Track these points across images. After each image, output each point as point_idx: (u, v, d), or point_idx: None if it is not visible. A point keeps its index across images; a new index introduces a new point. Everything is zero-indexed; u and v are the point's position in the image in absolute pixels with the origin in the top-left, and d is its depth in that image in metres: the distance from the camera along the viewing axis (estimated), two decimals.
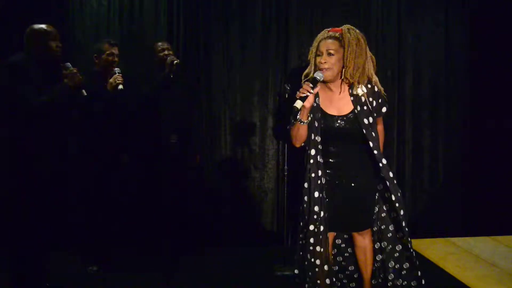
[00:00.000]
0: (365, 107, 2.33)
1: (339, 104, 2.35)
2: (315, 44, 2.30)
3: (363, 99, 2.32)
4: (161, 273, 3.26)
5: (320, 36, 2.31)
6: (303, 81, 2.23)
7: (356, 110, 2.32)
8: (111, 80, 3.13)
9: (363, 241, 2.53)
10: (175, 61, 3.39)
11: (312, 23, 4.11)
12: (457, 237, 4.08)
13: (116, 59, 3.25)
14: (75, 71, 2.72)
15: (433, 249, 3.81)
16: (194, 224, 3.77)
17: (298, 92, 2.15)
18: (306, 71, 2.35)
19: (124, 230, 3.66)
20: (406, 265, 2.52)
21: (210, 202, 3.99)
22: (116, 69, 3.18)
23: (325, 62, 2.23)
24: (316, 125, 2.31)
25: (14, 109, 2.64)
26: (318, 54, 2.26)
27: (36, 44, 2.72)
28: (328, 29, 2.31)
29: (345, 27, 2.29)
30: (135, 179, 3.78)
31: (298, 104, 2.14)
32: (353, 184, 2.39)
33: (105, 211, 3.28)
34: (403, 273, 2.52)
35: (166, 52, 3.50)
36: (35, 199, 2.71)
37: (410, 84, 4.28)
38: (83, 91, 2.78)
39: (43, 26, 2.76)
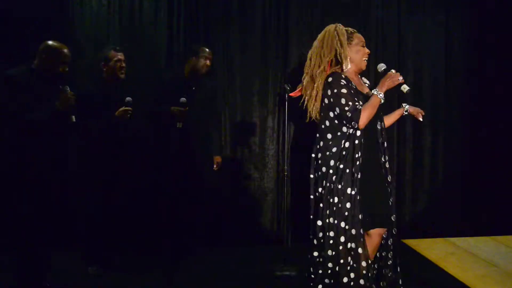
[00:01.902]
0: None
1: (364, 87, 2.49)
2: (352, 35, 2.42)
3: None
4: (161, 273, 3.26)
5: (348, 29, 2.43)
6: (390, 70, 2.40)
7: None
8: (120, 111, 3.13)
9: (380, 242, 2.47)
10: (179, 125, 3.33)
11: (312, 23, 4.11)
12: (457, 237, 4.08)
13: (123, 64, 3.25)
14: (69, 96, 2.69)
15: (433, 249, 3.82)
16: (194, 224, 3.77)
17: (400, 79, 2.33)
18: (333, 58, 2.39)
19: (124, 230, 3.66)
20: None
21: (210, 202, 3.97)
22: (128, 98, 3.16)
23: (368, 53, 2.46)
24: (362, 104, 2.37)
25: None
26: (363, 45, 2.44)
27: (46, 61, 2.73)
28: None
29: None
30: (136, 180, 3.78)
31: (406, 87, 2.38)
32: (387, 165, 2.46)
33: (105, 211, 3.28)
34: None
35: (208, 63, 3.52)
36: (36, 200, 2.71)
37: (410, 84, 4.26)
38: (73, 117, 2.75)
39: (58, 46, 2.76)
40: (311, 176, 2.45)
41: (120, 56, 3.24)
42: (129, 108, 3.15)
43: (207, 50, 3.56)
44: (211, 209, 3.98)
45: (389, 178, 2.46)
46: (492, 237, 4.08)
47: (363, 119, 2.29)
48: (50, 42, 2.76)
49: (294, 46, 4.10)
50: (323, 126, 2.41)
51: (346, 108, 2.29)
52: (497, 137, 4.29)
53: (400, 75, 2.34)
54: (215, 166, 3.72)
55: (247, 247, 3.89)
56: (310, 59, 2.45)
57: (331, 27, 2.43)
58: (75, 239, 3.50)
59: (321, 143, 2.41)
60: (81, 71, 3.77)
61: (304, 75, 2.48)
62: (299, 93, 2.53)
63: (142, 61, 3.88)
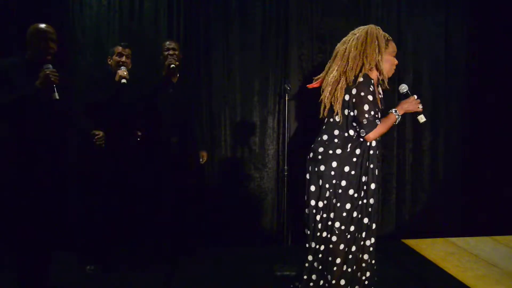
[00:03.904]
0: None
1: (379, 97, 2.44)
2: (388, 42, 2.36)
3: None
4: (161, 273, 3.26)
5: (385, 35, 2.37)
6: (411, 96, 2.40)
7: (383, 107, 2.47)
8: (118, 71, 3.21)
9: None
10: (172, 65, 3.39)
11: (312, 23, 4.12)
12: (457, 237, 4.08)
13: (123, 59, 3.31)
14: (47, 72, 2.63)
15: (433, 249, 3.82)
16: (194, 224, 3.77)
17: (419, 107, 2.35)
18: (368, 61, 2.30)
19: (124, 230, 3.65)
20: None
21: (210, 202, 3.98)
22: (122, 67, 3.25)
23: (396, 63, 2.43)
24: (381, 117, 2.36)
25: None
26: (394, 55, 2.40)
27: (31, 43, 2.72)
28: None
29: None
30: (135, 179, 3.78)
31: (423, 118, 2.38)
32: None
33: (105, 210, 3.28)
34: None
35: (170, 52, 3.49)
36: (35, 199, 2.71)
37: (410, 84, 4.28)
38: (56, 94, 2.66)
39: (42, 25, 2.74)
40: (309, 169, 2.40)
41: (124, 51, 3.33)
42: (124, 71, 3.20)
43: (167, 42, 3.54)
44: (211, 209, 3.98)
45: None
46: (492, 237, 4.08)
47: (375, 134, 2.27)
48: (34, 25, 2.75)
49: (294, 46, 4.10)
50: (331, 120, 2.36)
51: (366, 115, 2.24)
52: (497, 137, 4.29)
53: (420, 102, 2.37)
54: (201, 160, 3.73)
55: (247, 247, 3.89)
56: (342, 58, 2.32)
57: (371, 28, 2.32)
58: (73, 238, 3.50)
59: (325, 137, 2.37)
60: (81, 71, 3.79)
61: (331, 70, 2.36)
62: (317, 85, 2.44)
63: (142, 61, 3.88)
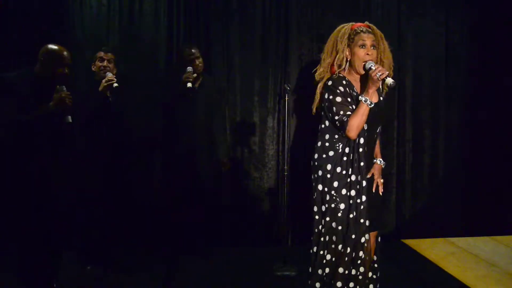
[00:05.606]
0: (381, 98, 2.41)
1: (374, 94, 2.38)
2: (355, 36, 2.30)
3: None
4: (161, 273, 3.26)
5: (357, 28, 2.31)
6: (373, 66, 2.21)
7: (381, 97, 2.39)
8: (103, 81, 3.12)
9: (374, 243, 2.49)
10: (188, 84, 3.32)
11: (312, 23, 4.11)
12: (457, 237, 4.09)
13: (105, 63, 3.24)
14: (63, 95, 2.63)
15: (433, 249, 3.82)
16: (194, 224, 3.77)
17: (378, 75, 2.15)
18: (334, 61, 2.34)
19: (124, 230, 3.66)
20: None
21: (210, 202, 3.98)
22: (107, 73, 3.17)
23: (371, 54, 2.29)
24: None
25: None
26: (361, 45, 2.28)
27: (46, 64, 2.70)
28: (357, 23, 2.34)
29: (367, 24, 2.36)
30: (136, 180, 3.78)
31: (390, 81, 2.16)
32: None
33: (105, 211, 3.28)
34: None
35: (197, 62, 3.47)
36: (39, 202, 2.71)
37: (410, 84, 4.28)
38: (69, 117, 2.68)
39: (58, 49, 2.72)
40: (311, 177, 2.43)
41: (105, 56, 3.26)
42: (110, 76, 3.12)
43: (192, 50, 3.50)
44: (211, 209, 3.97)
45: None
46: (492, 237, 4.08)
47: (353, 130, 2.23)
48: (49, 46, 2.73)
49: (294, 46, 4.10)
50: (323, 126, 2.40)
51: (336, 117, 2.27)
52: (497, 137, 4.29)
53: (380, 69, 2.18)
54: (222, 167, 3.72)
55: (247, 247, 3.89)
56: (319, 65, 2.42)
57: (340, 27, 2.36)
58: (73, 238, 3.50)
59: (319, 143, 2.40)
60: (81, 72, 3.79)
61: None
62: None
63: (142, 61, 3.89)
